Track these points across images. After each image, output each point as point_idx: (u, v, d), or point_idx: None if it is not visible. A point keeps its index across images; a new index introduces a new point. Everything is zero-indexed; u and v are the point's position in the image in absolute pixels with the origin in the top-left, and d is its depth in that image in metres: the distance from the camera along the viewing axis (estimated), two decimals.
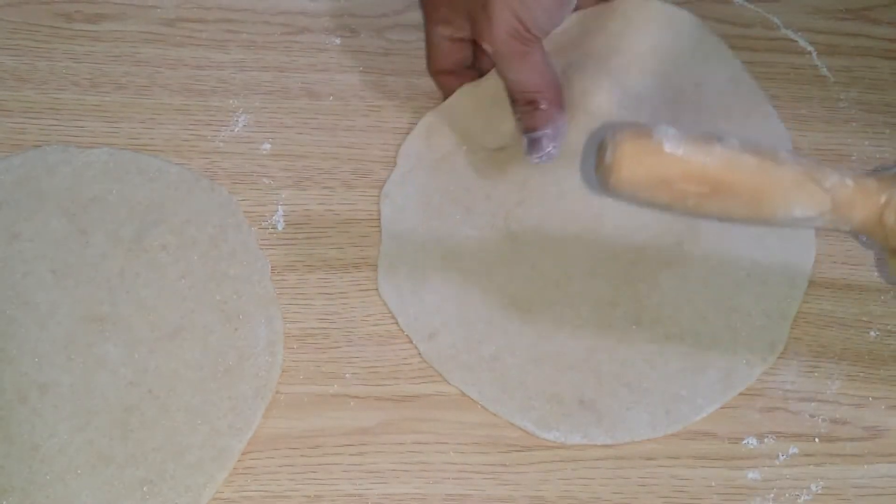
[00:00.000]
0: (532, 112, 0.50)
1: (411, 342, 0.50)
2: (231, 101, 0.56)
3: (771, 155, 0.43)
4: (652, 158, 0.41)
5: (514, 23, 0.48)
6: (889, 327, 0.51)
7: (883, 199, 0.43)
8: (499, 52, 0.50)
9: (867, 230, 0.44)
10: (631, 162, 0.41)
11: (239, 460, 0.46)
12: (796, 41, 0.61)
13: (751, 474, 0.47)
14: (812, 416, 0.49)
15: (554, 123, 0.50)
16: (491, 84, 0.54)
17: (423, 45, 0.58)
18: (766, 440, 0.48)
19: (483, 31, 0.49)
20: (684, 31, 0.54)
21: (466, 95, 0.55)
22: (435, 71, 0.56)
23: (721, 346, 0.50)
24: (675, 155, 0.41)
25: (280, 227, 0.52)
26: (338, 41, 0.59)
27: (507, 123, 0.53)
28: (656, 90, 0.53)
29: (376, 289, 0.51)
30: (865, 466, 0.48)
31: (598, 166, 0.43)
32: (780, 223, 0.44)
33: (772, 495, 0.47)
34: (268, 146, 0.55)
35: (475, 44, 0.53)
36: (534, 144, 0.50)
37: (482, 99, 0.54)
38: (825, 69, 0.60)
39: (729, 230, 0.52)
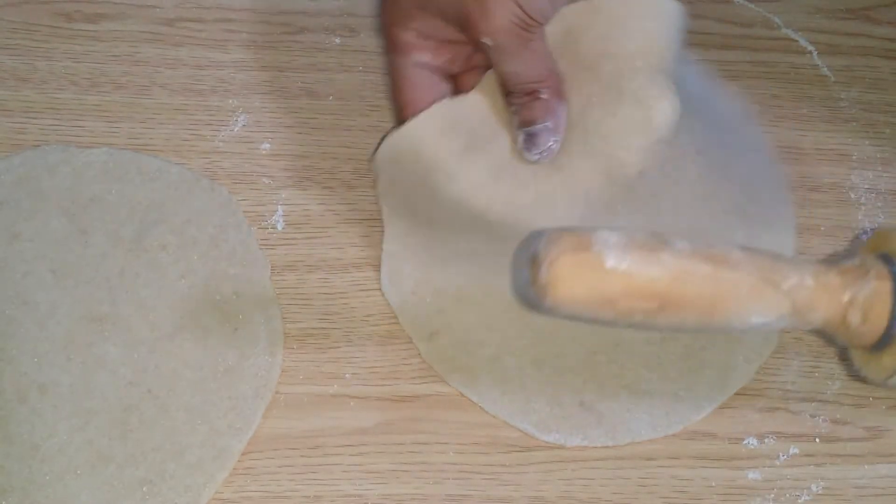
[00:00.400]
0: (531, 103, 0.47)
1: (411, 342, 0.49)
2: (230, 101, 0.56)
3: (724, 258, 0.39)
4: (593, 275, 0.37)
5: (515, 9, 0.45)
6: None
7: (846, 297, 0.40)
8: (500, 44, 0.46)
9: (830, 330, 0.41)
10: (569, 281, 0.37)
11: (239, 460, 0.46)
12: (797, 41, 0.61)
13: (751, 474, 0.47)
14: (812, 416, 0.49)
15: (555, 115, 0.47)
16: (467, 105, 0.49)
17: None
18: (766, 440, 0.48)
19: (480, 24, 0.46)
20: (674, 24, 0.49)
21: (433, 120, 0.49)
22: (411, 115, 0.49)
23: (718, 345, 0.50)
24: (617, 270, 0.37)
25: (280, 227, 0.52)
26: (338, 41, 0.59)
27: (479, 162, 0.49)
28: None
29: (376, 289, 0.51)
30: (866, 467, 0.48)
31: (532, 283, 0.38)
32: (736, 331, 0.41)
33: (772, 495, 0.47)
34: (267, 146, 0.55)
35: (454, 77, 0.50)
36: (532, 139, 0.47)
37: (455, 122, 0.49)
38: (826, 69, 0.60)
39: (724, 230, 0.50)
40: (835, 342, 0.45)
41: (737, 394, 0.49)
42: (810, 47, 0.60)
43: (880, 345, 0.40)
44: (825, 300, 0.40)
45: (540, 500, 0.46)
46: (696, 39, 0.60)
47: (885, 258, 0.41)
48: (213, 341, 0.48)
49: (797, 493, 0.47)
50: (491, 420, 0.48)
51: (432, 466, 0.47)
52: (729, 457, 0.48)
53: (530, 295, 0.39)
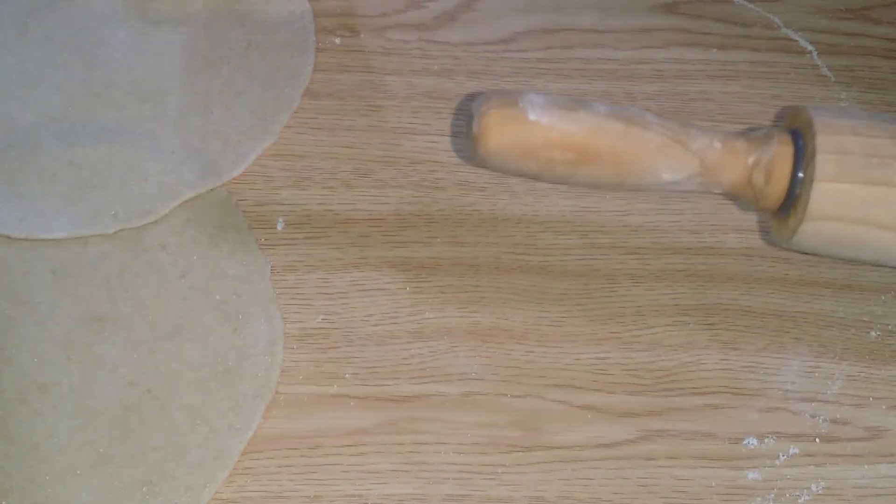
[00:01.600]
0: None
1: (411, 342, 0.49)
2: None
3: (637, 120, 0.43)
4: (517, 127, 0.42)
5: None
6: (890, 327, 0.51)
7: (751, 160, 0.44)
8: None
9: (737, 192, 0.45)
10: (496, 132, 0.42)
11: (239, 460, 0.46)
12: (797, 41, 0.61)
13: (751, 474, 0.47)
14: (813, 416, 0.49)
15: None
16: None
17: (422, 44, 0.57)
18: (766, 440, 0.48)
19: None
20: None
21: None
22: None
23: None
24: (539, 123, 0.42)
25: (280, 227, 0.52)
26: (338, 41, 0.59)
27: None
28: None
29: (376, 288, 0.51)
30: (866, 467, 0.48)
31: (466, 136, 0.44)
32: (652, 188, 0.44)
33: (772, 495, 0.47)
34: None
35: None
36: None
37: None
38: (826, 69, 0.60)
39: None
40: (746, 206, 0.49)
41: (737, 394, 0.49)
42: (810, 47, 0.60)
43: (785, 207, 0.44)
44: (731, 161, 0.44)
45: (540, 500, 0.46)
46: (696, 39, 0.60)
47: (792, 132, 0.45)
48: (213, 341, 0.48)
49: (797, 493, 0.47)
50: (491, 419, 0.48)
51: (432, 466, 0.47)
52: (729, 457, 0.48)
53: (467, 146, 0.44)
